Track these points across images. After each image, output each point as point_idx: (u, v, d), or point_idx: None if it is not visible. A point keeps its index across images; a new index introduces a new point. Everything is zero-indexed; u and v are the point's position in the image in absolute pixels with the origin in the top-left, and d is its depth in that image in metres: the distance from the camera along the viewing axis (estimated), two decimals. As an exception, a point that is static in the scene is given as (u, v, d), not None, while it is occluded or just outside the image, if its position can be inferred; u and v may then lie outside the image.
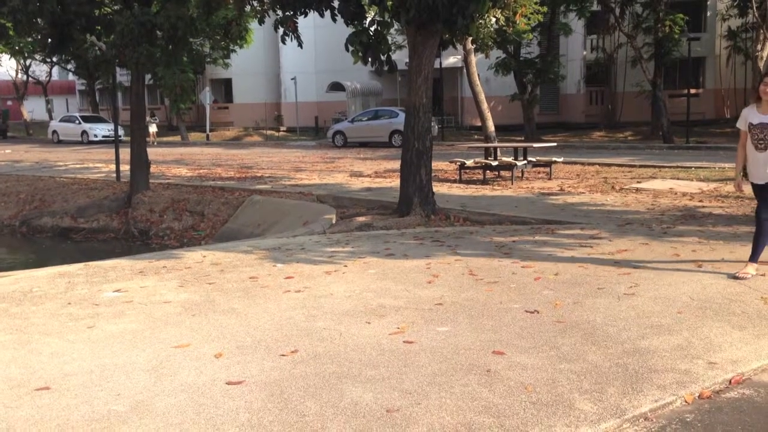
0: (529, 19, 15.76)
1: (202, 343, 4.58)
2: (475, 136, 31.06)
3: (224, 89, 42.26)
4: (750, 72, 32.77)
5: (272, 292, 5.85)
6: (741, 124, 5.88)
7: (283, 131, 38.16)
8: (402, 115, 27.43)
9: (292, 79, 35.59)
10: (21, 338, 4.80)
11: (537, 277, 5.99)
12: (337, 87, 33.38)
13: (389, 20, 10.92)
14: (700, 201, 10.48)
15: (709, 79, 35.07)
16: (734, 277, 5.65)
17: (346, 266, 6.75)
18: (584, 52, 35.28)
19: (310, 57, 35.35)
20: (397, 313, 5.16)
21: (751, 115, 5.74)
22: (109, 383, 3.94)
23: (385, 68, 10.87)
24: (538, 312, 5.00)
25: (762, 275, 5.83)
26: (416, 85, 9.94)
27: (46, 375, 4.08)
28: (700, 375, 3.78)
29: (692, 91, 29.94)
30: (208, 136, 35.37)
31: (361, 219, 9.65)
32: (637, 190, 11.82)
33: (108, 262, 7.33)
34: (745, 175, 5.99)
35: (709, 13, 34.96)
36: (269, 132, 37.03)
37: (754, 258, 5.75)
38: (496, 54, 25.44)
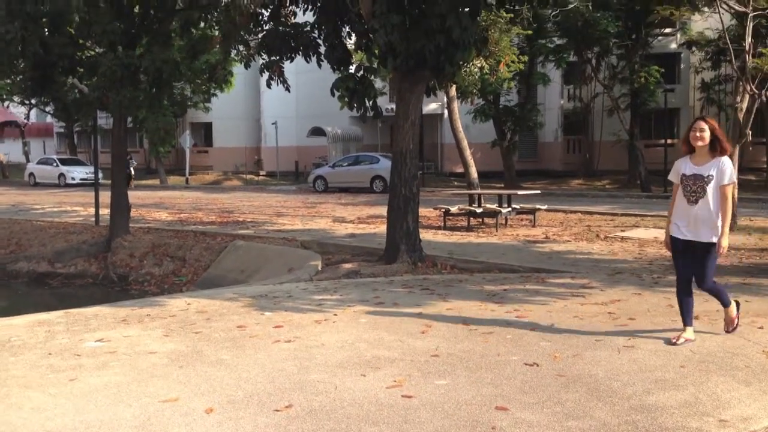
0: (509, 67, 15.98)
1: (191, 398, 4.39)
2: (455, 183, 31.25)
3: (204, 133, 42.24)
4: (725, 123, 33.57)
5: (262, 342, 5.67)
6: (673, 177, 5.47)
7: (263, 175, 38.08)
8: (383, 161, 27.66)
9: (273, 123, 35.69)
10: (0, 392, 4.56)
11: (532, 328, 5.88)
12: (317, 132, 33.51)
13: (376, 66, 10.99)
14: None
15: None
16: (671, 343, 5.29)
17: (336, 315, 6.59)
18: (561, 101, 35.88)
19: (290, 102, 35.53)
20: (392, 365, 5.01)
21: (684, 167, 5.38)
22: (94, 441, 3.73)
23: (370, 114, 10.90)
24: (537, 365, 4.88)
25: (760, 328, 5.78)
26: (403, 131, 9.94)
27: (27, 432, 3.86)
28: (713, 433, 3.67)
29: (668, 141, 30.49)
30: (187, 179, 35.17)
31: (348, 266, 9.51)
32: (622, 238, 11.85)
33: (89, 310, 7.09)
34: None
35: (683, 66, 35.86)
36: (249, 176, 36.94)
37: (726, 304, 5.56)
38: (476, 102, 25.77)
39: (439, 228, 13.90)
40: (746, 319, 5.98)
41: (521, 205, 15.08)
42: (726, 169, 5.17)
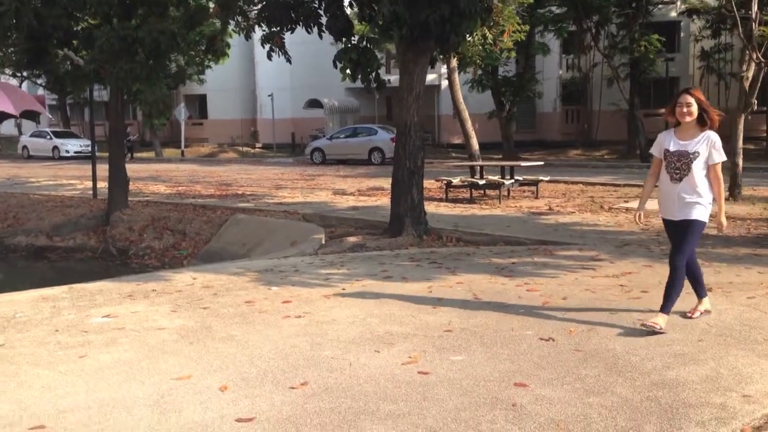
0: (512, 36, 15.77)
1: (204, 375, 4.32)
2: (453, 154, 31.09)
3: (198, 105, 41.84)
4: (725, 92, 33.38)
5: (271, 318, 5.60)
6: (655, 151, 5.10)
7: (259, 148, 37.81)
8: (381, 133, 27.48)
9: (269, 95, 35.31)
10: (8, 370, 4.49)
11: (545, 302, 5.82)
12: (314, 104, 33.20)
13: (379, 37, 10.79)
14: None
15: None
16: (643, 326, 4.91)
17: (344, 289, 6.52)
18: (560, 71, 35.59)
19: (286, 73, 35.03)
20: (405, 340, 4.95)
21: (667, 141, 4.97)
22: (109, 421, 3.66)
23: (374, 85, 10.71)
24: (553, 340, 4.82)
25: (773, 299, 5.74)
26: (407, 104, 9.78)
27: (40, 412, 3.79)
28: (738, 410, 3.61)
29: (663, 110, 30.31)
30: (183, 152, 34.91)
31: (352, 239, 9.42)
32: (627, 209, 11.77)
33: (93, 285, 7.00)
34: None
35: (682, 34, 35.56)
36: (245, 149, 36.66)
37: (665, 309, 4.95)
38: (478, 72, 25.51)
39: (441, 200, 13.80)
40: (760, 291, 5.93)
41: (524, 177, 14.96)
42: (716, 145, 4.86)
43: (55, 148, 33.70)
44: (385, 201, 13.90)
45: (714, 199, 4.99)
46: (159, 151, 35.25)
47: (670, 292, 4.96)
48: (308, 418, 3.66)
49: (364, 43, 10.54)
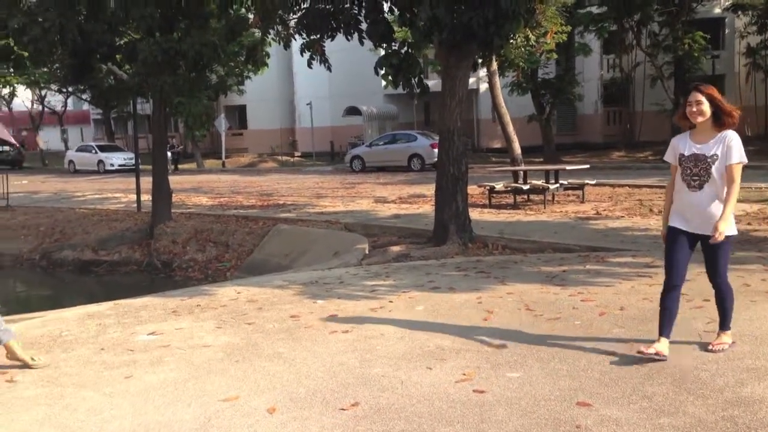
0: (554, 38, 15.46)
1: (251, 395, 4.19)
2: (493, 159, 30.74)
3: (238, 115, 42.24)
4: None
5: (318, 333, 5.45)
6: (670, 157, 4.52)
7: (298, 156, 37.97)
8: (421, 139, 27.29)
9: (307, 104, 35.43)
10: (53, 392, 4.42)
11: (601, 312, 5.57)
12: (353, 111, 33.17)
13: (419, 41, 10.63)
14: (749, 224, 10.02)
15: (728, 97, 34.57)
16: (707, 350, 4.50)
17: (391, 302, 6.35)
18: (601, 72, 34.95)
19: (323, 82, 35.19)
20: (458, 356, 4.75)
21: (682, 145, 4.42)
22: (155, 446, 3.54)
23: (416, 91, 10.56)
24: (614, 354, 4.57)
25: None
26: (450, 109, 9.59)
27: (86, 436, 3.70)
28: (826, 431, 3.33)
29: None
30: (223, 163, 35.24)
31: (396, 249, 9.26)
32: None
33: (138, 301, 6.96)
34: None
35: (727, 31, 34.64)
36: (284, 158, 36.84)
37: (724, 326, 4.57)
38: (512, 75, 25.20)
39: (484, 206, 13.55)
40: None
41: (569, 181, 14.62)
42: (734, 145, 4.26)
43: (100, 162, 34.30)
44: (427, 208, 13.73)
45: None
46: (200, 162, 35.63)
47: (725, 311, 4.54)
48: (361, 442, 3.49)
49: (406, 48, 10.39)
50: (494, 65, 15.84)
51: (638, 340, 4.81)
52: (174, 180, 16.41)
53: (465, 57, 9.64)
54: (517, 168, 15.32)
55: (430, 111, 38.18)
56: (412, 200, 15.54)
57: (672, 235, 4.47)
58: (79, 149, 36.96)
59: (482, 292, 6.52)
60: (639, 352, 4.38)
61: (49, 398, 4.31)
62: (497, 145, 33.75)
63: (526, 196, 13.99)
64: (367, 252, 9.41)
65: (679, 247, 4.43)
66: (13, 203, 17.94)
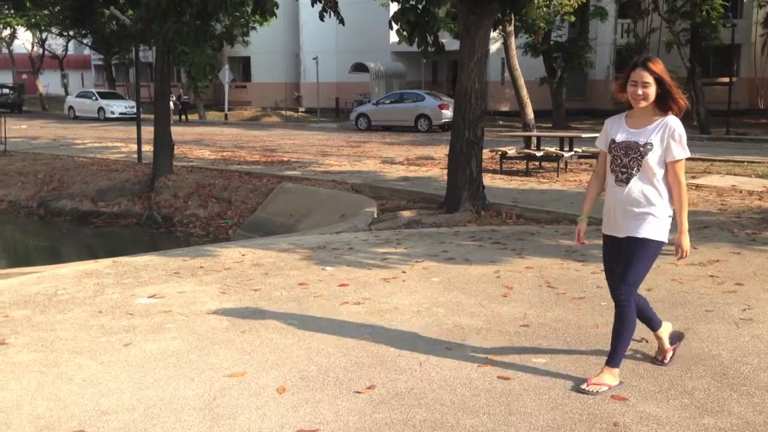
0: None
1: (259, 372, 3.90)
2: (500, 122, 30.21)
3: (242, 68, 41.48)
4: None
5: (328, 304, 5.16)
6: (601, 142, 3.77)
7: (302, 112, 37.39)
8: (429, 99, 26.75)
9: (313, 58, 34.70)
10: (48, 358, 4.14)
11: (629, 294, 5.25)
12: (360, 68, 32.50)
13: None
14: (773, 201, 9.69)
15: (743, 67, 33.94)
16: (579, 390, 3.58)
17: (404, 272, 6.05)
18: (615, 37, 34.18)
19: (330, 36, 34.43)
20: (478, 336, 4.46)
21: (615, 128, 3.67)
22: (155, 427, 3.27)
23: (432, 49, 10.10)
24: (646, 341, 4.28)
25: None
26: (468, 69, 9.16)
27: (80, 412, 3.42)
28: None
29: (726, 79, 28.95)
30: (226, 115, 34.67)
31: (407, 214, 8.92)
32: (697, 186, 11.01)
33: (138, 259, 6.66)
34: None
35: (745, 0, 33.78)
36: (288, 113, 36.25)
37: (613, 362, 3.65)
38: (525, 36, 24.54)
39: (495, 172, 13.17)
40: None
41: (583, 149, 14.21)
42: (676, 136, 3.50)
43: (101, 109, 33.73)
44: (436, 171, 13.37)
45: (675, 211, 3.61)
46: (203, 114, 35.07)
47: (618, 341, 3.64)
48: (379, 431, 3.21)
49: (423, 3, 9.89)
50: (510, 26, 15.27)
51: (671, 320, 4.52)
52: (176, 131, 15.99)
53: (485, 15, 9.16)
54: (530, 134, 14.89)
55: (438, 71, 37.48)
56: (421, 162, 15.15)
57: (606, 245, 3.78)
58: (80, 95, 36.35)
59: (499, 265, 6.21)
60: (580, 390, 3.58)
61: (43, 365, 4.03)
62: (505, 108, 33.19)
63: (538, 163, 13.61)
64: (375, 216, 9.08)
65: (614, 260, 3.69)
66: (10, 148, 17.55)
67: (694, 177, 12.24)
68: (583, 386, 3.60)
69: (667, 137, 3.50)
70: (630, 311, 3.62)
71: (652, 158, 3.50)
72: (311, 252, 6.88)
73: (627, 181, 3.56)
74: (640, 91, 3.47)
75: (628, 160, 3.55)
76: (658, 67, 3.47)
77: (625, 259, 3.60)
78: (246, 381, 3.79)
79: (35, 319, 4.84)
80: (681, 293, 5.28)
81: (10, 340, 4.44)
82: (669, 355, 3.93)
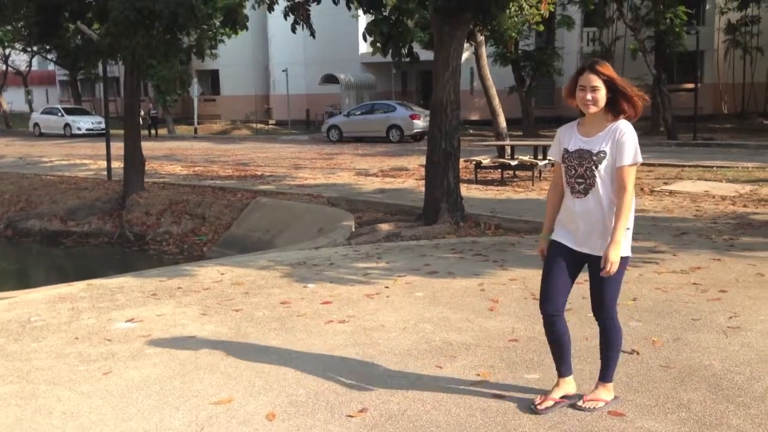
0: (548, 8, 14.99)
1: (246, 398, 3.79)
2: (470, 131, 30.32)
3: (211, 81, 41.14)
4: (750, 66, 32.40)
5: (312, 323, 5.05)
6: (554, 152, 3.54)
7: (273, 125, 37.17)
8: (400, 109, 26.77)
9: (283, 71, 34.53)
10: (24, 390, 3.97)
11: (615, 304, 5.23)
12: (330, 79, 32.42)
13: (413, 9, 10.11)
14: (745, 206, 9.79)
15: (707, 73, 34.57)
16: (576, 407, 3.51)
17: (387, 287, 5.96)
18: (581, 45, 34.62)
19: (299, 48, 34.29)
20: (468, 352, 4.39)
21: (567, 137, 3.45)
22: (143, 461, 3.13)
23: (406, 60, 10.10)
24: (637, 353, 4.26)
25: None
26: (443, 80, 9.14)
27: (62, 448, 3.27)
28: None
29: (691, 85, 29.44)
30: (196, 129, 34.33)
31: (386, 227, 8.85)
32: (671, 192, 11.13)
33: (113, 281, 6.48)
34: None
35: (707, 7, 34.45)
36: (258, 125, 36.01)
37: (606, 377, 3.58)
38: (494, 46, 24.70)
39: (470, 182, 13.16)
40: None
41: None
42: (626, 140, 3.27)
43: (67, 125, 33.14)
44: (411, 183, 13.34)
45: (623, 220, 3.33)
46: (172, 128, 34.66)
47: (608, 356, 3.56)
48: (374, 457, 3.12)
49: (396, 15, 9.88)
50: (480, 36, 15.34)
51: (659, 330, 4.50)
52: (146, 147, 15.72)
53: (459, 26, 9.16)
54: (504, 143, 14.95)
55: (407, 81, 37.57)
56: (395, 173, 15.11)
57: (552, 251, 3.49)
58: (45, 112, 35.69)
59: (483, 278, 6.16)
60: (535, 405, 3.50)
61: (20, 397, 3.87)
62: (475, 117, 33.34)
63: (512, 172, 13.65)
64: (353, 229, 9.00)
65: (558, 269, 3.45)
66: (-25, 168, 17.13)
67: (666, 183, 12.39)
68: (579, 403, 3.55)
69: (617, 143, 3.29)
70: (614, 326, 3.54)
71: (607, 167, 3.31)
72: (291, 269, 6.77)
73: (585, 192, 3.37)
74: (589, 96, 3.28)
75: (582, 170, 3.36)
76: (607, 69, 3.29)
77: (596, 279, 3.43)
78: (233, 408, 3.67)
79: (9, 348, 4.66)
80: (666, 302, 5.28)
81: (-16, 371, 4.26)
82: (597, 404, 3.54)
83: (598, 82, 3.26)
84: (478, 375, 4.02)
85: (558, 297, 3.48)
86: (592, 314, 3.49)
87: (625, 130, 3.30)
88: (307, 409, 3.62)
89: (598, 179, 3.32)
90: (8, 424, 3.55)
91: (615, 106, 3.31)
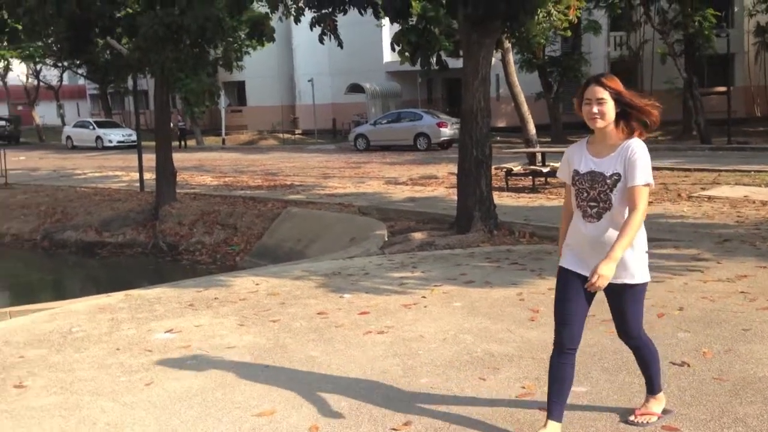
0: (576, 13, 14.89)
1: (288, 410, 3.76)
2: (498, 138, 30.17)
3: (237, 92, 41.50)
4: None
5: (351, 334, 5.01)
6: (563, 173, 3.35)
7: (299, 134, 37.35)
8: (426, 118, 26.73)
9: (309, 81, 34.72)
10: (68, 400, 3.99)
11: (660, 314, 5.13)
12: (356, 89, 32.52)
13: (440, 17, 10.09)
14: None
15: (738, 76, 34.07)
16: (629, 422, 3.43)
17: (424, 297, 5.91)
18: (608, 50, 34.32)
19: (324, 58, 34.43)
20: (511, 363, 4.32)
21: (577, 157, 3.25)
22: (189, 475, 3.11)
23: (435, 68, 10.07)
24: (688, 365, 4.15)
25: None
26: (472, 88, 9.09)
27: (108, 461, 3.27)
28: None
29: (722, 89, 29.01)
30: (223, 140, 34.63)
31: (419, 236, 8.80)
32: (709, 198, 10.92)
33: (151, 292, 6.51)
34: None
35: (736, 9, 33.99)
36: (285, 135, 36.21)
37: (653, 389, 3.48)
38: (518, 53, 24.60)
39: (501, 189, 13.06)
40: None
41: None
42: (637, 159, 3.07)
43: (99, 138, 33.63)
44: (441, 191, 13.28)
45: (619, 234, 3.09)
46: (200, 140, 34.99)
47: (649, 371, 3.45)
48: (422, 472, 3.06)
49: (424, 23, 9.86)
50: (507, 42, 15.25)
51: (709, 341, 4.39)
52: (176, 158, 15.83)
53: (488, 33, 9.11)
54: (535, 150, 14.82)
55: (432, 89, 37.54)
56: (425, 182, 15.05)
57: (563, 279, 3.29)
58: (77, 125, 36.27)
59: (521, 287, 6.08)
60: (629, 422, 3.40)
61: (64, 408, 3.88)
62: (501, 124, 33.17)
63: (544, 179, 13.52)
64: (386, 239, 8.96)
65: (573, 296, 3.23)
66: (11, 180, 17.41)
67: (703, 188, 12.17)
68: (631, 418, 3.46)
69: (628, 162, 3.08)
70: (644, 344, 3.40)
71: (621, 190, 3.10)
72: (326, 279, 6.75)
73: (598, 216, 3.15)
74: (595, 109, 3.07)
75: (595, 193, 3.14)
76: (613, 82, 3.09)
77: (617, 308, 3.30)
78: (276, 420, 3.64)
79: (52, 359, 4.69)
80: (714, 312, 5.15)
81: (28, 382, 4.29)
82: (651, 418, 3.44)
83: (604, 94, 3.06)
84: (523, 387, 3.94)
85: (573, 327, 3.25)
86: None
87: (637, 148, 3.08)
88: (350, 422, 3.58)
89: (613, 203, 3.12)
90: (54, 436, 3.56)
91: (626, 123, 3.11)
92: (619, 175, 3.09)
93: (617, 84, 3.09)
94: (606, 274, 3.03)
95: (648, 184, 3.08)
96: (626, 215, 3.09)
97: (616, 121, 3.10)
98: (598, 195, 3.14)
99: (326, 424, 3.57)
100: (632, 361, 4.22)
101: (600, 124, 3.10)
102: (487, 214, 8.95)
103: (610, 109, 3.07)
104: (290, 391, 4.01)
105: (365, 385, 4.06)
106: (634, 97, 3.09)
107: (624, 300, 3.25)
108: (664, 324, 4.90)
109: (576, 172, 3.21)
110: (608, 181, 3.11)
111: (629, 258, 3.14)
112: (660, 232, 8.35)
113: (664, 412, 3.49)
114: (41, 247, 13.10)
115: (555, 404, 3.23)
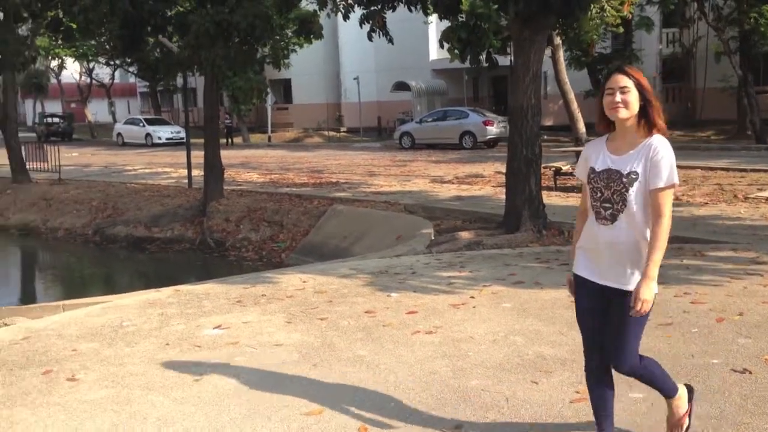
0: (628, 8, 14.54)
1: (337, 409, 3.72)
2: (545, 137, 29.75)
3: (283, 90, 41.84)
4: None
5: (399, 333, 4.96)
6: (580, 171, 3.12)
7: (344, 132, 37.47)
8: (472, 116, 26.50)
9: (354, 78, 34.80)
10: (120, 394, 4.02)
11: (719, 318, 4.95)
12: (401, 86, 32.44)
13: (491, 13, 9.94)
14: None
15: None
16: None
17: (473, 297, 5.82)
18: (660, 47, 33.53)
19: (369, 55, 34.46)
20: (564, 367, 4.21)
21: (594, 154, 3.03)
22: (238, 473, 3.10)
23: (485, 65, 9.93)
24: (749, 372, 3.98)
25: None
26: (523, 85, 8.94)
27: (159, 456, 3.27)
28: None
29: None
30: (269, 137, 34.94)
31: (466, 235, 8.70)
32: (767, 199, 10.56)
33: (199, 287, 6.57)
34: None
35: (795, 4, 32.83)
36: (330, 133, 36.37)
37: (669, 393, 3.22)
38: (566, 51, 24.20)
39: (550, 188, 12.85)
40: None
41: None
42: (661, 158, 2.83)
43: (148, 135, 34.27)
44: (488, 190, 13.13)
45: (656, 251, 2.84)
46: (246, 137, 35.37)
47: (655, 384, 3.19)
48: (474, 477, 2.99)
49: (474, 20, 9.72)
50: (558, 39, 15.00)
51: (771, 353, 4.22)
52: (223, 155, 16.02)
53: (540, 30, 8.96)
54: (581, 148, 14.53)
55: (479, 87, 37.25)
56: (471, 180, 14.91)
57: (576, 288, 3.13)
58: (127, 122, 37.04)
59: (573, 289, 5.93)
60: None
61: (116, 402, 3.92)
62: (549, 122, 32.71)
63: (593, 179, 13.24)
64: (433, 237, 8.88)
65: (588, 306, 3.06)
66: (64, 176, 17.84)
67: (760, 189, 11.78)
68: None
69: (651, 162, 2.84)
70: (643, 368, 3.08)
71: (639, 190, 2.87)
72: (373, 277, 6.71)
73: (612, 219, 2.91)
74: (618, 98, 2.84)
75: (610, 193, 2.91)
76: (637, 73, 2.90)
77: (617, 320, 2.95)
78: (325, 420, 3.61)
79: (103, 352, 4.75)
80: (776, 317, 4.95)
81: (80, 375, 4.34)
82: (684, 423, 3.26)
83: (628, 83, 2.85)
84: (577, 392, 3.83)
85: (593, 337, 3.08)
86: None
87: (660, 146, 2.85)
88: (399, 423, 3.53)
89: (629, 204, 2.87)
90: (105, 429, 3.59)
91: (647, 119, 2.87)
92: (637, 174, 2.86)
93: (641, 76, 2.91)
94: (647, 297, 2.82)
95: (672, 186, 2.85)
96: (644, 218, 2.87)
97: (638, 117, 2.89)
98: (612, 195, 2.91)
99: (374, 425, 3.53)
100: (691, 367, 4.11)
101: (623, 114, 2.86)
102: (536, 213, 8.80)
103: (633, 99, 2.85)
104: (338, 390, 3.98)
105: (414, 385, 4.00)
106: (651, 93, 2.91)
107: (624, 310, 2.90)
108: (723, 328, 4.73)
109: (592, 170, 2.99)
110: (624, 179, 2.88)
111: (638, 263, 2.89)
112: (717, 234, 8.10)
113: (689, 391, 3.29)
114: (93, 242, 13.39)
115: (602, 417, 3.13)
